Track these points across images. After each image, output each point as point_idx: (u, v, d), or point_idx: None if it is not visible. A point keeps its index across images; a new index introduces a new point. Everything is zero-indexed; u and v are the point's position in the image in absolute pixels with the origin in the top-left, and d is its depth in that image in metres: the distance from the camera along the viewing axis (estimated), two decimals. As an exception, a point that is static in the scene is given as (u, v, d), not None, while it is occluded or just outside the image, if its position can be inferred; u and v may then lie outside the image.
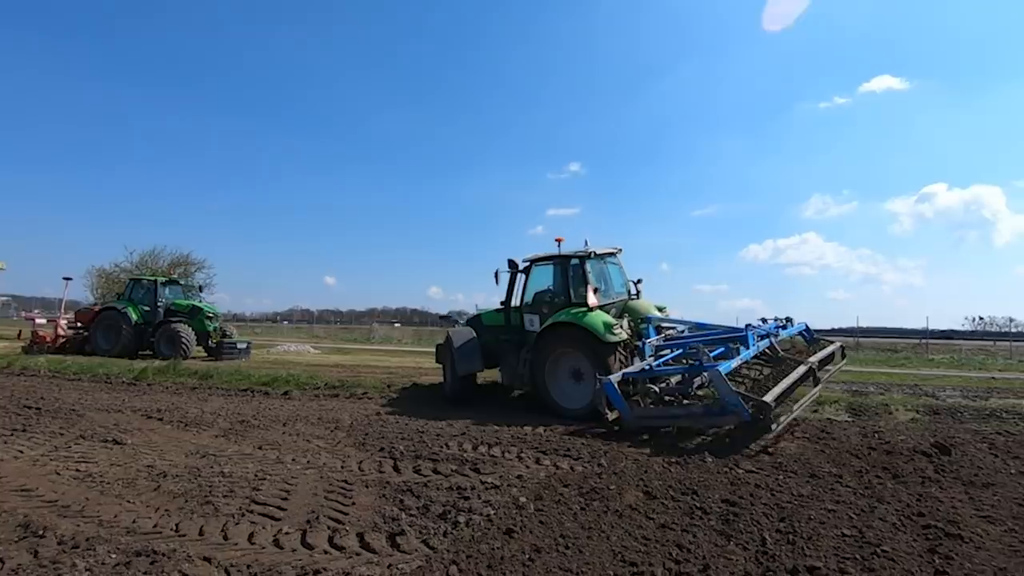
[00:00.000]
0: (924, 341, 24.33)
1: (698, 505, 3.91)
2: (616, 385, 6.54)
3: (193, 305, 17.45)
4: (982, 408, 8.63)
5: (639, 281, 9.56)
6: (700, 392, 7.01)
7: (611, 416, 6.71)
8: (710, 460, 5.28)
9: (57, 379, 12.28)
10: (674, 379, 7.19)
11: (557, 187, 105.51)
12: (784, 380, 6.46)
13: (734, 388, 5.96)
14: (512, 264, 9.17)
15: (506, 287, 9.42)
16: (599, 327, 7.61)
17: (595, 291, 8.23)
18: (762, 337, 7.64)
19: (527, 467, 5.11)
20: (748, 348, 7.09)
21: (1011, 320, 41.84)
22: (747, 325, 8.22)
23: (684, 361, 7.55)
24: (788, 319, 8.83)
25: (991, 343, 28.08)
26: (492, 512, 3.77)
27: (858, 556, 3.00)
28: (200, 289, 20.09)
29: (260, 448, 5.77)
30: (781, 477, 4.72)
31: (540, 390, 8.20)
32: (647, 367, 7.06)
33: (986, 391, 10.88)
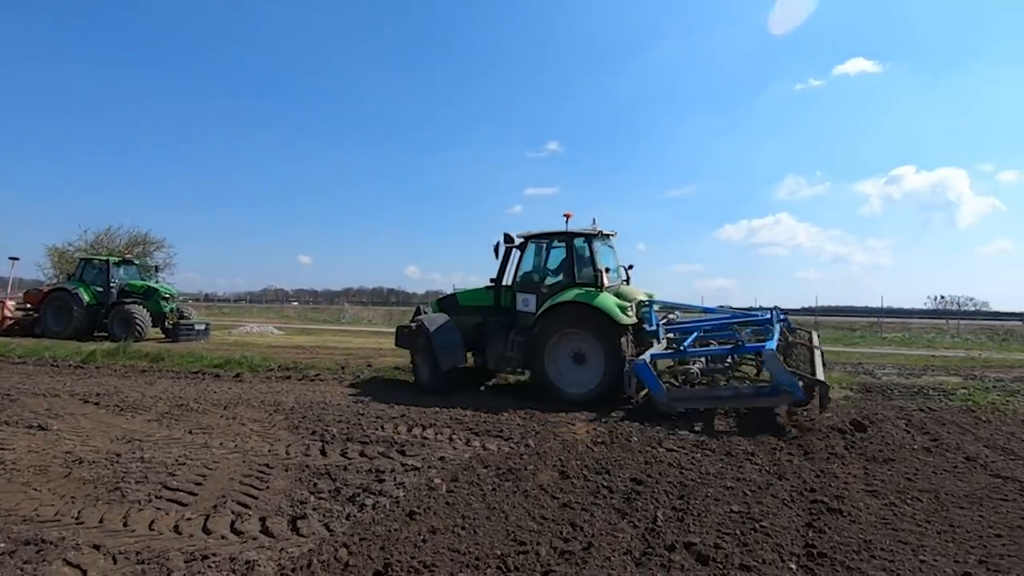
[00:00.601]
0: (879, 320, 25.17)
1: (606, 484, 4.03)
2: (650, 366, 6.48)
3: (148, 286, 17.01)
4: (912, 385, 9.02)
5: (630, 267, 9.24)
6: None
7: (639, 397, 6.60)
8: (635, 439, 5.44)
9: (2, 362, 11.93)
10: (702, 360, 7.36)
11: (535, 166, 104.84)
12: (817, 362, 6.79)
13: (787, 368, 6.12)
14: (508, 239, 8.44)
15: (499, 264, 8.70)
16: (614, 309, 7.34)
17: (606, 271, 7.92)
18: (777, 322, 7.84)
19: (454, 448, 5.19)
20: (775, 332, 7.21)
21: (971, 299, 43.40)
22: (775, 308, 8.30)
23: (698, 344, 7.65)
24: (775, 309, 9.03)
25: (944, 321, 29.15)
26: (402, 494, 3.83)
27: (738, 532, 3.14)
28: (156, 269, 19.62)
29: (191, 432, 5.72)
30: (697, 455, 4.89)
31: (539, 374, 7.78)
32: (681, 348, 6.95)
33: (922, 369, 11.35)
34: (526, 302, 8.25)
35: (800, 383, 5.93)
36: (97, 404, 7.21)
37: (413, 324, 8.95)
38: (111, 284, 16.72)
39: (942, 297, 42.06)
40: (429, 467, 4.53)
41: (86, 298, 16.42)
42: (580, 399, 7.28)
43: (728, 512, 3.44)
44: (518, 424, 6.20)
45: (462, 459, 4.77)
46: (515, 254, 8.61)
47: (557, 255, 8.54)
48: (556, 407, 7.00)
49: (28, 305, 17.43)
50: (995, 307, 37.67)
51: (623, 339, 7.25)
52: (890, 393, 8.46)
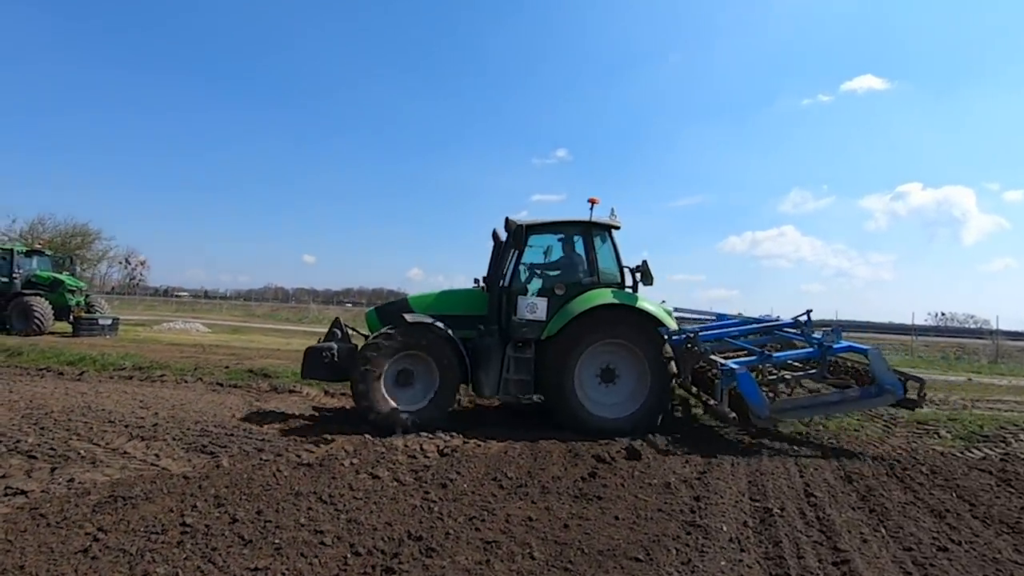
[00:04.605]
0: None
1: (189, 525, 3.32)
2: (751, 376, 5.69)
3: (54, 277, 16.47)
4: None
5: (637, 268, 7.00)
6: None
7: (731, 414, 5.79)
8: (351, 462, 4.74)
9: None
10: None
11: (543, 173, 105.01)
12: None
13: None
14: (510, 227, 6.71)
15: (492, 261, 7.02)
16: (662, 313, 6.38)
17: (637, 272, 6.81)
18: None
19: (123, 467, 4.49)
20: (838, 335, 6.63)
21: (971, 317, 42.28)
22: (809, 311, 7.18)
23: (765, 348, 6.78)
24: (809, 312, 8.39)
25: (911, 338, 28.24)
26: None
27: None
28: (71, 262, 19.02)
29: None
30: (390, 488, 4.18)
31: (563, 398, 6.21)
32: (767, 355, 6.13)
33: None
34: (532, 308, 6.51)
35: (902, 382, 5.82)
36: None
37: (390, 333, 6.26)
38: (15, 275, 16.17)
39: (943, 314, 41.01)
40: (43, 491, 3.84)
41: (-11, 289, 15.88)
42: (617, 426, 6.06)
43: (272, 551, 2.73)
44: (263, 439, 5.52)
45: (110, 480, 4.09)
46: (511, 251, 6.84)
47: (572, 250, 7.04)
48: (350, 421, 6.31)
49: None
50: (1002, 326, 36.64)
51: (667, 350, 6.30)
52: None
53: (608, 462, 4.95)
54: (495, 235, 7.04)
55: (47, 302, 15.73)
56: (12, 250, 16.61)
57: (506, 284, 6.76)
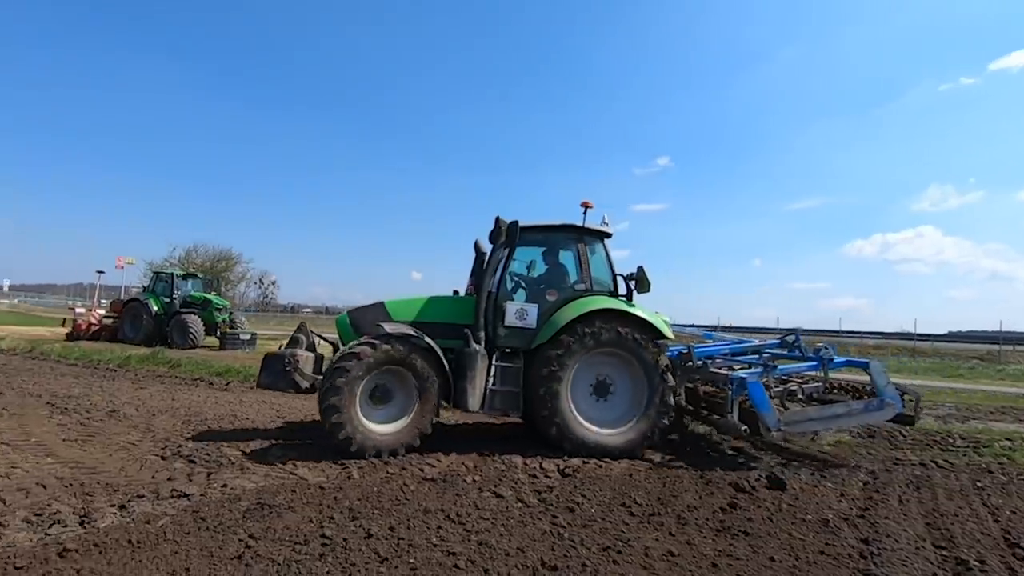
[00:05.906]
0: (1000, 348, 20.90)
1: (328, 534, 3.41)
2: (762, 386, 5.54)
3: (205, 297, 18.57)
4: (946, 432, 7.16)
5: (631, 276, 6.62)
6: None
7: (742, 427, 5.53)
8: (470, 480, 4.69)
9: (61, 363, 13.44)
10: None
11: (644, 182, 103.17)
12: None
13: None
14: (500, 228, 6.15)
15: (478, 265, 6.67)
16: (660, 321, 6.09)
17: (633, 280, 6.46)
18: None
19: (268, 473, 4.76)
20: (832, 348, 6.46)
21: None
22: (795, 330, 6.93)
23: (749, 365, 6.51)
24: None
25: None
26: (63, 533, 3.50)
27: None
28: (218, 283, 21.33)
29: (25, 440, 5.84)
30: (500, 507, 4.06)
31: (555, 412, 5.74)
32: (773, 365, 6.00)
33: (994, 410, 9.05)
34: (522, 315, 6.14)
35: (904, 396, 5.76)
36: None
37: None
38: (174, 296, 18.46)
39: None
40: (201, 495, 4.17)
41: (155, 308, 18.23)
42: (612, 443, 5.71)
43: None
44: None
45: (253, 487, 4.36)
46: (499, 253, 6.34)
47: (561, 256, 6.71)
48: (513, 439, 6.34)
49: (114, 313, 19.74)
50: None
51: (664, 360, 5.97)
52: (900, 441, 6.76)
53: (748, 492, 4.48)
54: (477, 246, 6.74)
55: (200, 319, 17.75)
56: (172, 274, 19.01)
57: (494, 289, 6.28)
